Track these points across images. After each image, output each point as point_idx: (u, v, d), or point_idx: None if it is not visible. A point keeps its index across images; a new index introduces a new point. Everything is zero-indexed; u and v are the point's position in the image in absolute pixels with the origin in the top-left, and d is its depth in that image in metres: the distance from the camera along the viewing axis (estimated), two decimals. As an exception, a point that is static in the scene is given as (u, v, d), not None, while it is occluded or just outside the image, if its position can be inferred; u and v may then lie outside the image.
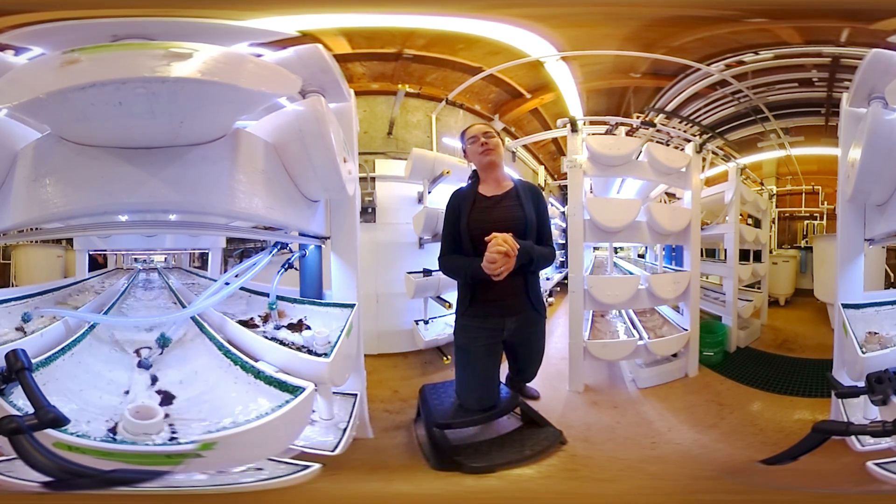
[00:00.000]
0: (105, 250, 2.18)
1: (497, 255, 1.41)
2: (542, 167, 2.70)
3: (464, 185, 1.71)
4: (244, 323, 1.68)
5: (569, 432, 1.70)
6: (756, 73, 2.04)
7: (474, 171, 1.70)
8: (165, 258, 2.39)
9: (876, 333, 1.51)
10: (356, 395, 1.65)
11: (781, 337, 2.36)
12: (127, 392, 1.35)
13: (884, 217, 1.49)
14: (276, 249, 1.76)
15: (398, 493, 1.39)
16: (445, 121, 2.32)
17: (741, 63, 2.00)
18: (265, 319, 1.73)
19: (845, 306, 1.59)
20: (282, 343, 1.52)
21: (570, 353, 2.12)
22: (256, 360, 1.43)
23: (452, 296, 1.80)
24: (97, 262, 2.17)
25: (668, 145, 2.25)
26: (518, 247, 1.44)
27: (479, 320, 1.61)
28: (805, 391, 1.94)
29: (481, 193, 1.64)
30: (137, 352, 1.51)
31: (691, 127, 2.27)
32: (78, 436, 1.08)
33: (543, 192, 1.73)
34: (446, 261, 1.64)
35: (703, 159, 2.31)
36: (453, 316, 1.70)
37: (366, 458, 1.55)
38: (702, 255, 2.35)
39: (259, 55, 1.42)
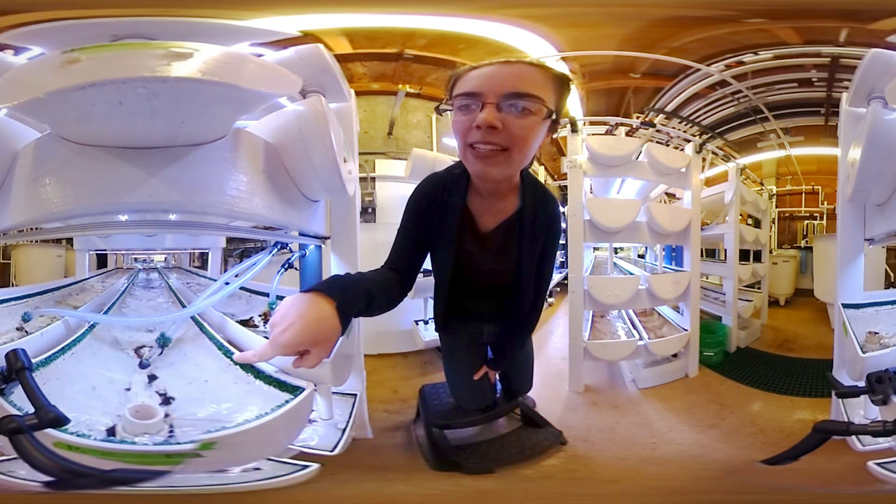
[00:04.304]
0: (105, 250, 2.18)
1: None
2: (542, 167, 2.70)
3: (454, 170, 1.25)
4: (244, 323, 1.68)
5: (569, 433, 1.70)
6: (756, 73, 2.03)
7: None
8: (165, 258, 2.39)
9: (876, 333, 1.51)
10: (356, 395, 1.65)
11: (781, 337, 2.35)
12: (128, 389, 1.35)
13: (884, 217, 1.49)
14: (276, 249, 1.76)
15: (397, 493, 1.38)
16: (446, 121, 2.31)
17: (741, 63, 2.00)
18: (265, 319, 1.73)
19: (845, 306, 1.59)
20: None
21: (570, 354, 2.11)
22: (256, 360, 1.42)
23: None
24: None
25: (667, 145, 2.25)
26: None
27: (457, 323, 1.53)
28: (805, 391, 1.94)
29: (472, 220, 1.27)
30: (137, 352, 1.51)
31: (691, 127, 2.27)
32: (78, 435, 1.08)
33: (560, 210, 1.33)
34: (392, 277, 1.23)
35: (703, 159, 2.31)
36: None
37: (365, 458, 1.54)
38: (702, 256, 2.35)
39: (260, 55, 1.42)
